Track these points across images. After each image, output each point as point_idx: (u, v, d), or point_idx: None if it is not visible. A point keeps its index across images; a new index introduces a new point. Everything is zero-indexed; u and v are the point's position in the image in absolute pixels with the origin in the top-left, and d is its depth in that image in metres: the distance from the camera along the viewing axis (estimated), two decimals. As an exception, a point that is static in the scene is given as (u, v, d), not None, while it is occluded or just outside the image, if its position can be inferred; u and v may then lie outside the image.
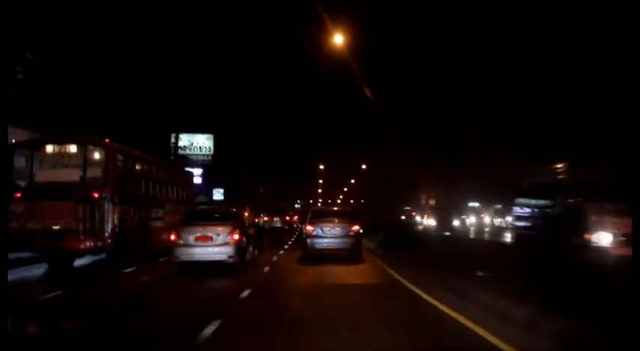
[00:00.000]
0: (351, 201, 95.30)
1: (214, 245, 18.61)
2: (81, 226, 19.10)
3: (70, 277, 17.92)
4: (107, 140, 20.15)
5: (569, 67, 26.46)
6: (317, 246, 22.67)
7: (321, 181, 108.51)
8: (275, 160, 76.14)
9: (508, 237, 32.09)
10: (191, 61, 41.55)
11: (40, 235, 18.96)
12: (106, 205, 19.35)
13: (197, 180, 44.00)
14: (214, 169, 56.40)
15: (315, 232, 22.70)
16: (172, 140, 51.57)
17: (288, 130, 70.77)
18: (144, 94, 36.59)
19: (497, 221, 57.73)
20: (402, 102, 39.85)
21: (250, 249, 21.51)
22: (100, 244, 19.25)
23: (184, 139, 54.68)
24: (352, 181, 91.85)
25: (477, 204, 64.27)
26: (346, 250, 22.65)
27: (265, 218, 57.01)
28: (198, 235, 18.67)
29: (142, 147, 25.53)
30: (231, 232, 18.78)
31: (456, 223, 54.24)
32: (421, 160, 45.36)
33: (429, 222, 54.07)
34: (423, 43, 34.49)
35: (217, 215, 20.18)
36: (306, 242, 23.04)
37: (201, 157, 55.49)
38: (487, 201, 60.70)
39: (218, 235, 18.69)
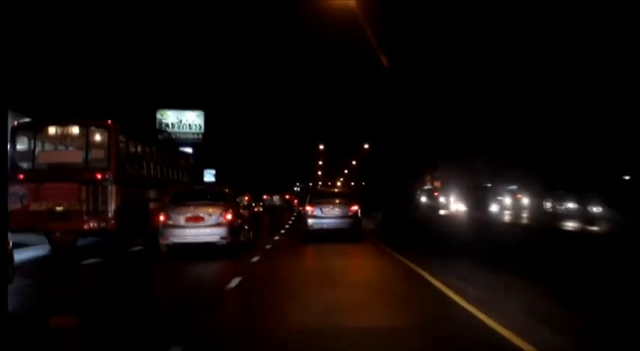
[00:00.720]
0: (352, 183, 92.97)
1: (206, 226, 17.75)
2: (84, 207, 19.19)
3: (76, 259, 17.93)
4: (110, 121, 20.16)
5: (565, 67, 26.52)
6: (316, 226, 23.05)
7: (320, 162, 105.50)
8: (272, 139, 73.38)
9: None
10: (182, 35, 40.39)
11: (43, 216, 19.03)
12: (109, 187, 19.41)
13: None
14: (205, 148, 51.92)
15: (314, 213, 23.11)
16: (158, 117, 48.52)
17: (286, 108, 68.41)
18: (127, 68, 35.00)
19: (548, 205, 48.71)
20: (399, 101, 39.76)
21: (245, 230, 20.47)
22: (103, 224, 19.32)
23: (171, 117, 51.55)
24: (353, 162, 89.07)
25: (514, 186, 53.34)
26: (345, 230, 22.95)
27: (264, 196, 56.42)
28: (189, 215, 17.83)
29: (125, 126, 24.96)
30: (224, 212, 17.91)
31: (493, 207, 43.33)
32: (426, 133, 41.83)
33: (458, 206, 45.12)
34: (421, 43, 34.43)
35: (209, 195, 19.45)
36: (306, 222, 23.37)
37: (190, 136, 51.23)
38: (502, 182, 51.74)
39: (210, 215, 17.82)
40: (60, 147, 20.87)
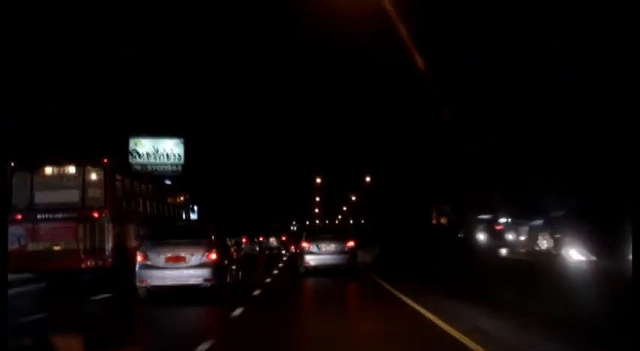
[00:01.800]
0: (350, 221, 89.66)
1: (188, 267, 16.22)
2: (81, 246, 19.32)
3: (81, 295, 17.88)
4: (106, 160, 20.40)
5: (569, 67, 26.49)
6: (312, 262, 23.27)
7: (318, 198, 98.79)
8: (265, 172, 66.25)
9: None
10: (162, 52, 37.54)
11: (41, 257, 19.16)
12: (106, 224, 19.58)
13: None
14: (186, 180, 44.31)
15: (310, 249, 23.34)
16: (132, 146, 43.03)
17: (280, 138, 61.58)
18: (97, 88, 32.23)
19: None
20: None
21: (233, 270, 19.05)
22: (100, 263, 19.45)
23: (147, 145, 44.70)
24: (353, 198, 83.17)
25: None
26: (342, 266, 23.12)
27: (260, 238, 53.57)
28: (169, 255, 16.30)
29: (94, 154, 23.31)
30: (208, 252, 16.41)
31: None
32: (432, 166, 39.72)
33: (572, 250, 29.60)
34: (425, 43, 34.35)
35: (191, 232, 18.25)
36: (302, 258, 23.60)
37: (169, 167, 44.41)
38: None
39: (192, 254, 16.30)
40: (57, 186, 21.04)
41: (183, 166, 44.93)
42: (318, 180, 79.88)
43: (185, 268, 16.26)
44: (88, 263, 19.33)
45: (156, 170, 42.91)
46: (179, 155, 45.33)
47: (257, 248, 55.07)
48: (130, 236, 21.51)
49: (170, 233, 18.18)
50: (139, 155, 43.54)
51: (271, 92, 53.49)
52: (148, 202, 24.24)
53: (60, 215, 19.55)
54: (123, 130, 41.03)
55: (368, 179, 59.16)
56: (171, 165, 45.00)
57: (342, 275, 22.48)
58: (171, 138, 45.44)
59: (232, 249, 20.83)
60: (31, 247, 19.26)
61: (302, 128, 60.16)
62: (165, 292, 16.73)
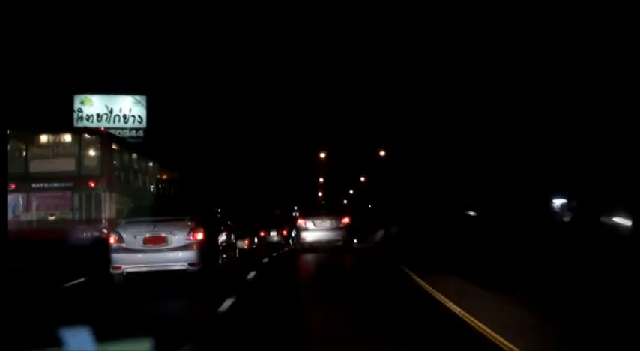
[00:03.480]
0: (344, 201, 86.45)
1: (170, 249, 14.10)
2: (77, 216, 18.90)
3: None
4: (102, 128, 19.95)
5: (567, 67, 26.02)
6: (308, 238, 23.43)
7: (322, 180, 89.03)
8: (259, 151, 55.05)
9: None
10: None
11: (36, 226, 18.75)
12: (102, 194, 19.14)
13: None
14: (149, 151, 30.97)
15: (306, 225, 23.55)
16: (77, 105, 33.30)
17: (278, 111, 50.94)
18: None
19: None
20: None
21: (224, 251, 17.15)
22: (97, 234, 19.02)
23: (97, 104, 34.13)
24: (362, 178, 76.88)
25: None
26: (337, 242, 23.34)
27: (261, 233, 48.08)
28: (147, 235, 14.16)
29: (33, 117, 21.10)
30: (193, 230, 14.28)
31: None
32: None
33: None
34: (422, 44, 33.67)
35: (173, 208, 16.32)
36: (298, 235, 23.93)
37: (126, 133, 33.64)
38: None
39: (174, 234, 14.16)
40: (52, 155, 20.60)
41: (145, 131, 34.55)
42: (322, 155, 65.64)
43: (166, 251, 14.07)
44: (84, 234, 18.91)
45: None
46: (140, 117, 34.52)
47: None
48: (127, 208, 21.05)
49: (148, 210, 15.94)
50: (87, 117, 33.37)
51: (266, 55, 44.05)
52: (145, 177, 23.77)
53: (55, 185, 19.10)
54: (72, 86, 33.00)
55: (382, 153, 52.94)
56: (130, 129, 34.18)
57: (339, 251, 22.53)
58: (130, 95, 34.69)
59: (227, 226, 19.05)
60: (25, 216, 18.84)
61: (304, 100, 51.25)
62: (144, 278, 14.46)
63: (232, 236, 18.94)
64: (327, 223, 23.55)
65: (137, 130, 34.40)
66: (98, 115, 33.85)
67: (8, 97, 19.48)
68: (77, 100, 33.57)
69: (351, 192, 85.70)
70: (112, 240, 14.35)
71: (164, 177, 27.64)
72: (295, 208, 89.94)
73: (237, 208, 47.90)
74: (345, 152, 58.72)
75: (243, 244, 41.95)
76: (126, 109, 34.56)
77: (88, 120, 33.26)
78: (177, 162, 32.24)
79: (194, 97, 39.10)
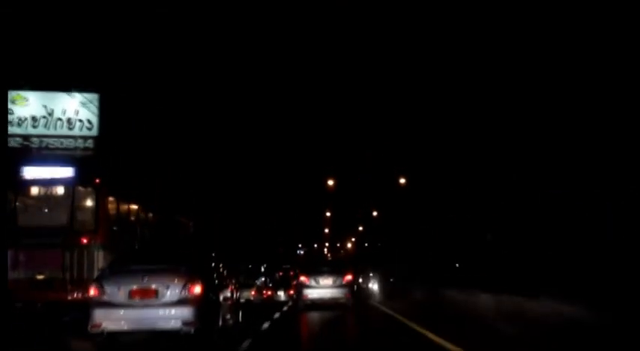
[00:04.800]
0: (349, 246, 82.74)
1: (161, 304, 11.96)
2: (68, 276, 17.42)
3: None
4: (98, 180, 18.58)
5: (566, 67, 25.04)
6: (311, 296, 23.87)
7: (327, 230, 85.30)
8: (258, 172, 48.13)
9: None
10: None
11: (23, 286, 17.23)
12: (96, 252, 17.67)
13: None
14: (101, 166, 25.44)
15: (309, 283, 23.94)
16: (9, 106, 23.88)
17: (277, 122, 45.24)
18: None
19: None
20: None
21: (228, 310, 14.74)
22: (87, 295, 17.47)
23: (33, 103, 26.92)
24: (360, 228, 73.80)
25: None
26: (340, 299, 23.83)
27: (268, 292, 43.96)
28: (134, 287, 12.03)
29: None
30: (190, 282, 12.14)
31: None
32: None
33: None
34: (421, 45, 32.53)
35: (167, 255, 13.83)
36: (301, 293, 24.22)
37: (70, 143, 27.01)
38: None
39: (167, 287, 12.01)
40: (43, 208, 19.21)
41: (96, 141, 27.12)
42: (330, 182, 51.28)
43: (157, 307, 11.97)
44: (75, 295, 17.38)
45: (48, 146, 26.85)
46: (89, 122, 26.99)
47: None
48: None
49: (137, 257, 13.76)
50: (18, 122, 26.32)
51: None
52: (146, 231, 22.27)
53: (45, 240, 17.64)
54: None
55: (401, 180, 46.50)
56: (76, 138, 27.00)
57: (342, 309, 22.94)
58: (76, 92, 26.76)
59: (230, 281, 16.63)
60: (12, 275, 17.31)
61: (311, 122, 47.66)
62: (130, 341, 12.45)
63: (237, 294, 16.89)
64: (330, 281, 23.91)
65: (85, 138, 27.02)
66: (34, 119, 26.61)
67: None
68: (9, 96, 24.30)
69: (361, 228, 77.66)
70: (91, 292, 12.19)
71: (176, 230, 26.01)
72: (299, 245, 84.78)
73: (238, 250, 45.55)
74: (355, 181, 52.33)
75: (249, 294, 40.06)
76: (71, 112, 27.05)
77: (18, 125, 26.31)
78: (145, 189, 26.66)
79: (172, 98, 31.71)
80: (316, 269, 25.04)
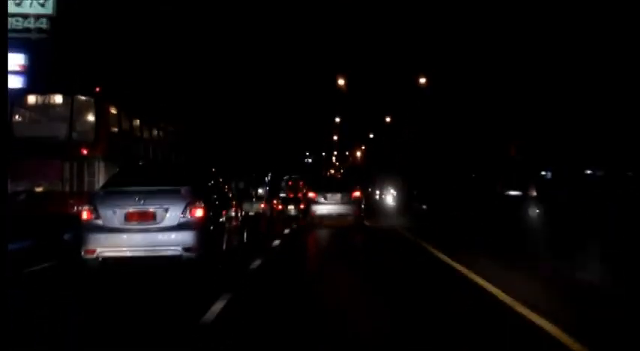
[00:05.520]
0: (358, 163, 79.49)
1: (160, 229, 11.03)
2: (68, 188, 16.62)
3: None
4: (98, 89, 17.55)
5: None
6: (319, 212, 23.92)
7: (336, 137, 78.04)
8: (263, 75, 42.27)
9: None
10: None
11: (21, 199, 16.45)
12: (97, 164, 16.80)
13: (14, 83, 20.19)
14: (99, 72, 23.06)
15: (317, 199, 24.05)
16: None
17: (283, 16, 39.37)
18: None
19: None
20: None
21: (232, 232, 13.56)
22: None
23: None
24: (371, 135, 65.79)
25: None
26: (348, 216, 23.75)
27: (279, 206, 44.32)
28: (131, 210, 11.05)
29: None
30: (191, 205, 11.17)
31: None
32: None
33: None
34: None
35: (168, 174, 12.85)
36: (310, 209, 24.37)
37: (20, 22, 22.00)
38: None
39: (166, 209, 11.06)
40: (41, 118, 18.29)
41: (52, 21, 22.32)
42: (341, 81, 46.90)
43: (155, 231, 11.01)
44: (75, 209, 16.59)
45: None
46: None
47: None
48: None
49: (134, 177, 12.58)
50: None
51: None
52: (149, 145, 21.31)
53: (43, 151, 16.78)
54: None
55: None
56: (25, 18, 22.06)
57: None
58: None
59: (232, 199, 14.92)
60: (9, 187, 16.48)
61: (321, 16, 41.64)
62: (126, 266, 11.39)
63: (240, 213, 15.77)
64: (337, 197, 23.97)
65: (38, 18, 22.07)
66: None
67: None
68: None
69: (372, 136, 70.17)
70: (84, 215, 11.07)
71: (177, 142, 24.89)
72: (307, 153, 78.30)
73: (243, 161, 43.37)
74: (368, 81, 45.67)
75: (259, 207, 39.67)
76: None
77: None
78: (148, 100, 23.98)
79: None
80: (325, 186, 25.39)
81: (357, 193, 24.50)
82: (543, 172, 24.23)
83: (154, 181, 11.77)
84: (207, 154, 31.73)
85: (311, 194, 24.74)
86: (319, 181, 28.72)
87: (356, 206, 24.07)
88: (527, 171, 25.15)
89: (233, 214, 14.05)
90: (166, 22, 29.38)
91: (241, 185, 40.54)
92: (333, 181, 27.80)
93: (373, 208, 36.63)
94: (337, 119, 65.69)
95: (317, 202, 24.02)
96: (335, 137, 79.29)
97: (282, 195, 44.82)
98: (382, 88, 46.12)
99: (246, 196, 33.23)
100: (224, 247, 12.48)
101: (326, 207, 23.90)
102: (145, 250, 10.97)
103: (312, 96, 52.59)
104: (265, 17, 36.85)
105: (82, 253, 11.02)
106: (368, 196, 41.76)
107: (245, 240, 15.14)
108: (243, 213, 15.61)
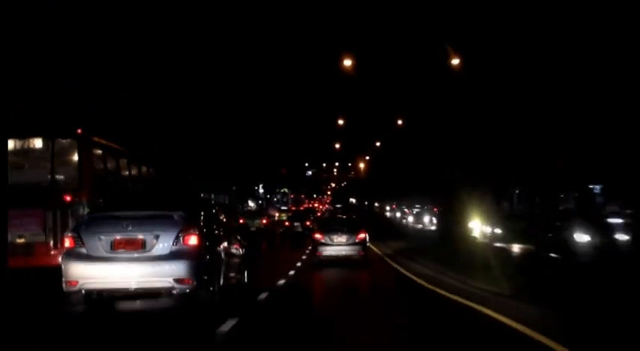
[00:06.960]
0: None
1: (149, 258, 10.13)
2: (52, 238, 15.57)
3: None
4: (80, 130, 16.53)
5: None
6: (325, 253, 24.44)
7: (338, 145, 71.01)
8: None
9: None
10: None
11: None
12: (81, 211, 15.77)
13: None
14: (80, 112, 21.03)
15: (323, 240, 24.60)
16: None
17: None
18: None
19: None
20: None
21: (232, 266, 12.57)
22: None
23: None
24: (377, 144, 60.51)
25: None
26: (353, 257, 24.32)
27: (286, 223, 42.98)
28: (118, 237, 10.24)
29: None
30: (184, 232, 10.24)
31: None
32: None
33: None
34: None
35: (158, 200, 12.18)
36: (315, 249, 24.95)
37: None
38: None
39: (156, 236, 10.16)
40: (19, 164, 17.26)
41: None
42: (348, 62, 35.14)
43: (145, 261, 10.07)
44: (59, 260, 15.53)
45: None
46: None
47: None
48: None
49: (123, 202, 11.80)
50: None
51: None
52: (139, 181, 20.28)
53: (24, 199, 15.73)
54: None
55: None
56: None
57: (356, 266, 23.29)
58: None
59: (232, 230, 14.06)
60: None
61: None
62: (112, 300, 10.59)
63: (243, 250, 14.64)
64: (343, 239, 24.53)
65: None
66: None
67: None
68: None
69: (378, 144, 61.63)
70: (66, 243, 10.42)
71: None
72: (306, 164, 71.54)
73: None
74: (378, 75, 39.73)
75: (260, 223, 40.38)
76: None
77: None
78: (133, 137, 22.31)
79: None
80: (331, 227, 25.79)
81: (362, 235, 25.04)
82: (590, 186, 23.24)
83: (144, 206, 10.92)
84: (188, 168, 31.54)
85: (317, 235, 25.31)
86: (325, 221, 29.86)
87: (361, 247, 24.72)
88: (575, 185, 23.73)
89: (234, 250, 13.02)
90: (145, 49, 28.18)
91: (225, 200, 39.99)
92: (339, 222, 27.95)
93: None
94: (340, 122, 55.62)
95: (323, 244, 24.61)
96: (337, 145, 71.06)
97: (283, 208, 44.68)
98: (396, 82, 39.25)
99: (229, 211, 31.73)
100: (221, 282, 11.37)
101: (333, 248, 24.41)
102: (133, 282, 10.09)
103: (312, 96, 48.86)
104: (265, 17, 34.42)
105: (64, 285, 10.18)
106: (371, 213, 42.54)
107: (246, 280, 14.01)
108: (244, 250, 14.62)
